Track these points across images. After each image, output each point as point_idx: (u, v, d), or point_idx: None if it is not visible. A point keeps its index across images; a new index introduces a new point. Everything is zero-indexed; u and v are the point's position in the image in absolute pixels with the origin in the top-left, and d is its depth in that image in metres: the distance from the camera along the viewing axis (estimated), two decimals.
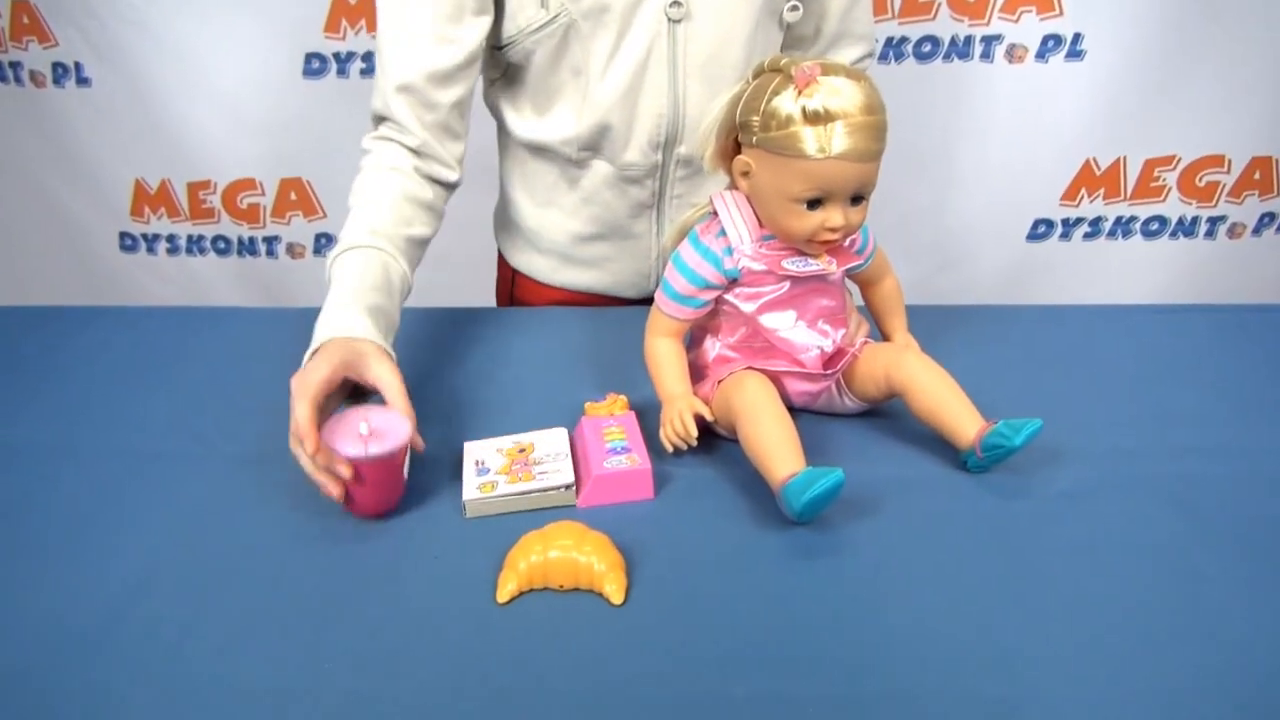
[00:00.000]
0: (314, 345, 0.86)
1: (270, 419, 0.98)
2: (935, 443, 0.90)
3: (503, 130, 1.15)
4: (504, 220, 1.26)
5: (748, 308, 0.89)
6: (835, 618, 0.73)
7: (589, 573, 0.75)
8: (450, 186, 1.08)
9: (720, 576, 0.77)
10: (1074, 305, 1.19)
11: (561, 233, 1.18)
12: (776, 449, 0.81)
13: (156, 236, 1.93)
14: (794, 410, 0.92)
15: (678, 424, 0.88)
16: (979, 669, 0.68)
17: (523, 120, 1.11)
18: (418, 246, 1.03)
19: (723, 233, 0.88)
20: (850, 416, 0.97)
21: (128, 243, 1.94)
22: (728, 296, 0.90)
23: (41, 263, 1.96)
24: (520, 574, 0.75)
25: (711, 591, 0.75)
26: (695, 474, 0.89)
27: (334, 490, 0.80)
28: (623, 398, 0.95)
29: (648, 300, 0.94)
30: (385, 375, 0.85)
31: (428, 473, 0.89)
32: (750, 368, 0.90)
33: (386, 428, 0.82)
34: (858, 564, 0.78)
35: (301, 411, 0.80)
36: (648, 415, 0.94)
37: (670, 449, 0.89)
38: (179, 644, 0.71)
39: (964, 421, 0.86)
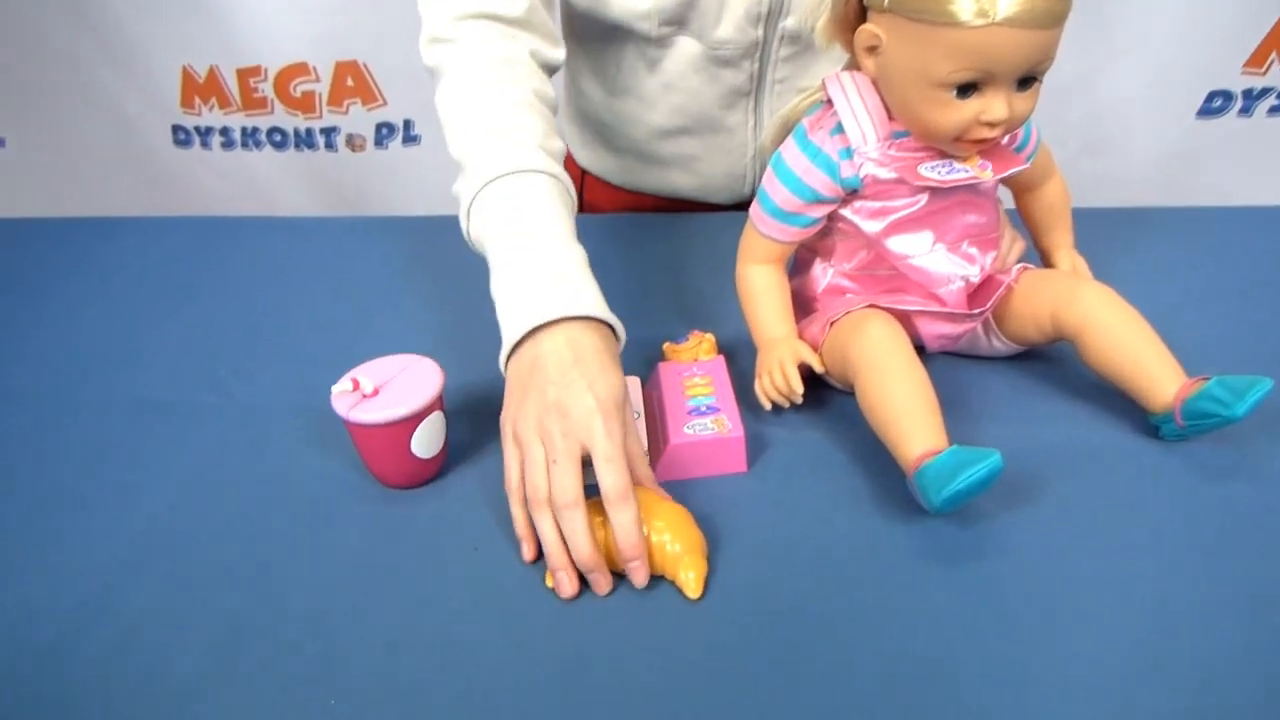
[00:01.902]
0: (556, 315, 0.63)
1: (296, 362, 0.84)
2: (1114, 399, 0.69)
3: (568, 2, 0.94)
4: (570, 112, 1.06)
5: (871, 227, 0.69)
6: (980, 647, 0.54)
7: (660, 554, 0.59)
8: (554, 72, 0.85)
9: (830, 581, 0.59)
10: None
11: (639, 126, 0.98)
12: (909, 418, 0.62)
13: (209, 129, 1.79)
14: (924, 354, 0.72)
15: (778, 376, 0.69)
16: None
17: None
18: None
19: (839, 128, 0.67)
20: (998, 359, 0.76)
21: (181, 136, 1.81)
22: (844, 212, 0.70)
23: (98, 161, 1.85)
24: None
25: (817, 601, 0.58)
26: (800, 440, 0.70)
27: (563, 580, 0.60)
28: (709, 337, 0.76)
29: (743, 206, 0.74)
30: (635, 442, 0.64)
31: (468, 431, 0.73)
32: (873, 305, 0.70)
33: (401, 392, 0.66)
34: (1013, 570, 0.59)
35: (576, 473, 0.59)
36: (741, 358, 0.76)
37: (768, 406, 0.71)
38: (149, 672, 0.57)
39: (1160, 377, 0.65)
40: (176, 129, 1.80)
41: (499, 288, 0.66)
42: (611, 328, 0.65)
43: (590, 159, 1.07)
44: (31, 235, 1.11)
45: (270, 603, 0.61)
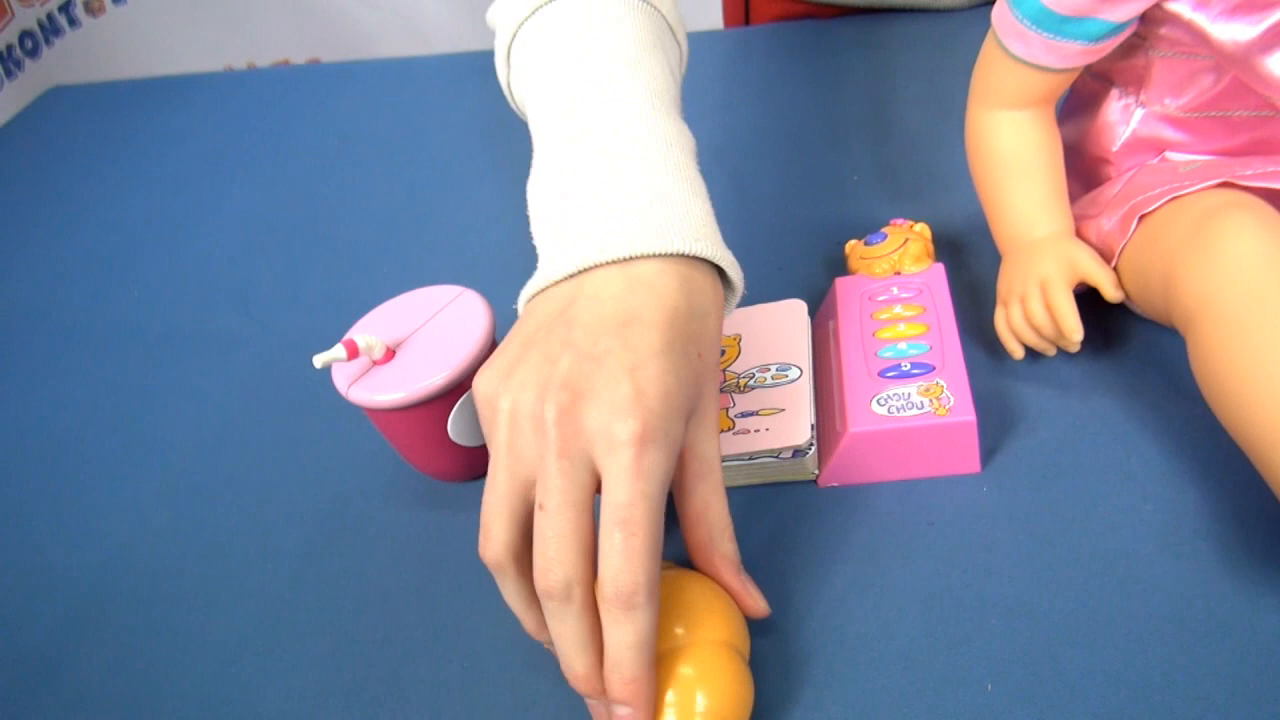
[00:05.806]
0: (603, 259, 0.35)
1: (350, 272, 0.63)
2: None
3: None
4: None
5: (1233, 34, 0.37)
6: None
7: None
8: None
9: (1116, 682, 0.33)
10: None
11: None
12: None
13: None
14: None
15: (1036, 306, 0.42)
16: None
17: None
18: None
19: None
20: None
21: None
22: (1179, 7, 0.38)
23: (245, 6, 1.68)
24: None
25: (1093, 706, 0.32)
26: (1074, 418, 0.42)
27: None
28: (923, 229, 0.48)
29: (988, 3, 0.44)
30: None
31: None
32: (1227, 183, 0.39)
33: (428, 352, 0.43)
34: None
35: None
36: (976, 267, 0.48)
37: (1019, 355, 0.43)
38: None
39: None
40: None
41: (541, 194, 0.39)
42: (720, 271, 0.37)
43: None
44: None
45: (253, 663, 0.42)
